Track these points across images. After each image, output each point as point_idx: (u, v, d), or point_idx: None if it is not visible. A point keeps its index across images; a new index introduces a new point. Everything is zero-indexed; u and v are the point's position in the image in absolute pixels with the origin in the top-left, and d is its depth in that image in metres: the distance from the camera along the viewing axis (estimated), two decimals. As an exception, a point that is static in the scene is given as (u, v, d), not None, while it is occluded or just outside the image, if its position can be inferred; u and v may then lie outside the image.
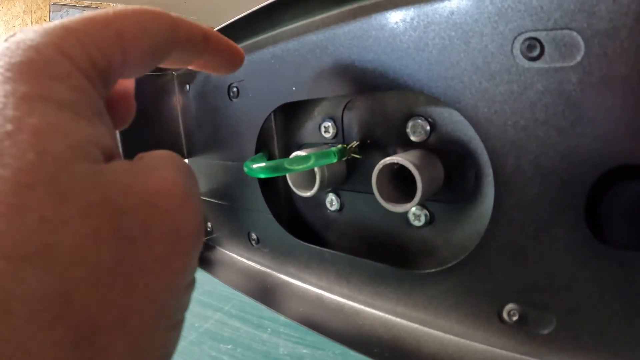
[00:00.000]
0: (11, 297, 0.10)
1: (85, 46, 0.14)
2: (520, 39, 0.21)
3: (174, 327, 0.15)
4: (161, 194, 0.14)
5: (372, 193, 0.28)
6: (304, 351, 0.28)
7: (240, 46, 0.35)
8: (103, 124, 0.14)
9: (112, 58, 0.15)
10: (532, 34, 0.21)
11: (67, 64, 0.14)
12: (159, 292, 0.14)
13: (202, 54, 0.20)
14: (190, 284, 0.16)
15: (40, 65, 0.13)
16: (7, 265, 0.10)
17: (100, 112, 0.15)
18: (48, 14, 3.47)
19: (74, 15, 0.15)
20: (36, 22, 3.41)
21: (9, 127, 0.12)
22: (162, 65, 0.19)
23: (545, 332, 0.23)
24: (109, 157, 0.14)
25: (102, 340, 0.12)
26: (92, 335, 0.11)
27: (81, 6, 3.67)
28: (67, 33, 0.14)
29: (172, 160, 0.16)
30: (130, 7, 0.16)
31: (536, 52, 0.21)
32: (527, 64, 0.21)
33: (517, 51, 0.21)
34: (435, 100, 0.28)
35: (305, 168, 0.28)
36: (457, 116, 0.27)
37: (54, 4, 3.52)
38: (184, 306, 0.16)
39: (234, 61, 0.23)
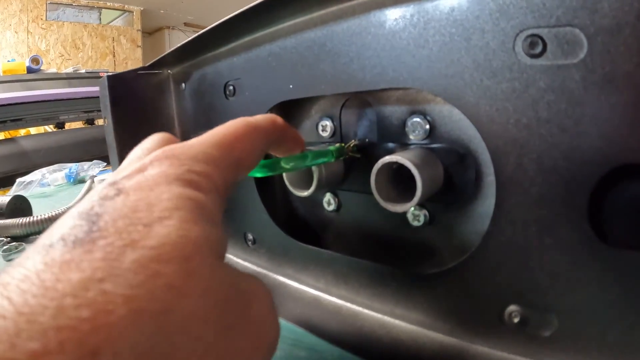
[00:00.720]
0: (123, 341, 0.11)
1: (220, 170, 0.18)
2: (522, 35, 0.21)
3: None
4: (257, 296, 0.17)
5: (371, 193, 0.27)
6: (302, 354, 0.28)
7: (237, 44, 0.35)
8: (223, 231, 0.17)
9: (234, 176, 0.20)
10: (534, 31, 0.21)
11: (209, 183, 0.17)
12: None
13: (281, 146, 0.26)
14: None
15: (193, 180, 0.17)
16: (131, 315, 0.12)
17: (221, 221, 0.18)
18: (44, 12, 3.46)
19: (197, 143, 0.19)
20: (32, 21, 3.40)
21: (163, 214, 0.15)
22: None
23: (547, 334, 0.23)
24: (222, 258, 0.17)
25: None
26: None
27: (78, 5, 3.66)
28: (209, 160, 0.18)
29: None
30: (240, 126, 0.21)
31: (538, 50, 0.21)
32: (529, 61, 0.21)
33: (519, 48, 0.21)
34: (434, 99, 0.28)
35: (303, 167, 0.28)
36: (457, 115, 0.27)
37: (50, 3, 3.50)
38: None
39: (300, 148, 0.27)
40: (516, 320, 0.24)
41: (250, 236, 0.41)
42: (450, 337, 0.27)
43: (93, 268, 0.12)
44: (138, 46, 3.97)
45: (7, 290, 0.12)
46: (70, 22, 3.62)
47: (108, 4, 3.76)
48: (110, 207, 0.15)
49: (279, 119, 0.24)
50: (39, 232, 0.61)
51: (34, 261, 0.13)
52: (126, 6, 3.85)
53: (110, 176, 0.18)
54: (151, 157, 0.18)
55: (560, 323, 0.22)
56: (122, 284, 0.12)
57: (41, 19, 3.48)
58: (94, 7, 3.71)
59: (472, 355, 0.25)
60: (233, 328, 0.15)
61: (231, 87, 0.37)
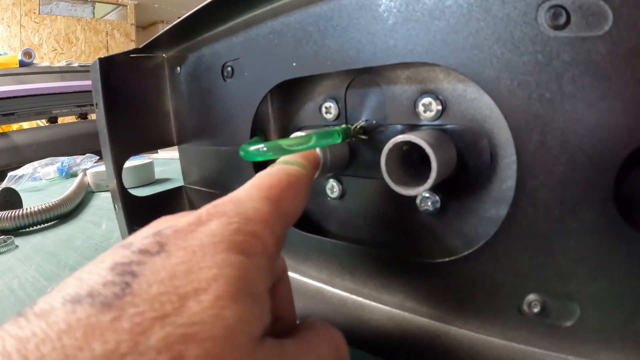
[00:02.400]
0: None
1: (271, 228, 0.17)
2: (545, 6, 0.20)
3: None
4: None
5: (377, 178, 0.26)
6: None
7: (236, 22, 0.34)
8: (269, 301, 0.16)
9: (283, 231, 0.18)
10: (557, 2, 0.19)
11: (259, 245, 0.16)
12: None
13: None
14: None
15: (241, 242, 0.16)
16: None
17: (268, 288, 0.16)
18: (37, 6, 3.42)
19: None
20: (25, 15, 3.36)
21: (201, 285, 0.14)
22: None
23: (569, 323, 0.22)
24: (263, 335, 0.15)
25: None
26: None
27: (70, -1, 3.61)
28: (260, 217, 0.17)
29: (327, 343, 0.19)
30: (284, 177, 0.20)
31: (562, 21, 0.19)
32: (552, 33, 0.20)
33: (541, 19, 0.20)
34: (447, 77, 0.26)
35: (306, 149, 0.26)
36: (470, 94, 0.25)
37: (43, -4, 3.46)
38: None
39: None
40: (536, 310, 0.22)
41: (248, 226, 0.39)
42: (465, 329, 0.25)
43: (118, 341, 0.12)
44: (132, 40, 3.94)
45: (27, 349, 0.11)
46: (64, 16, 3.58)
47: (102, -4, 3.73)
48: (148, 267, 0.14)
49: (315, 159, 0.24)
50: (29, 226, 0.59)
51: (57, 318, 0.12)
52: (120, 0, 3.82)
53: (153, 225, 0.17)
54: (204, 210, 0.17)
55: (582, 312, 0.21)
56: None
57: (34, 12, 3.44)
58: (87, 0, 3.67)
59: (488, 348, 0.24)
60: None
61: (229, 68, 0.35)
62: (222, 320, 0.13)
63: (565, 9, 0.19)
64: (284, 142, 0.26)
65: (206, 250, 0.15)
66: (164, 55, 0.44)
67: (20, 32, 3.37)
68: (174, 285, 0.13)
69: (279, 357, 0.15)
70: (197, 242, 0.15)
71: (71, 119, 2.27)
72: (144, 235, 0.16)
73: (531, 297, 0.23)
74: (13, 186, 0.91)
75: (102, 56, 0.40)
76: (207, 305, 0.13)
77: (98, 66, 0.39)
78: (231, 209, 0.17)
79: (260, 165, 0.36)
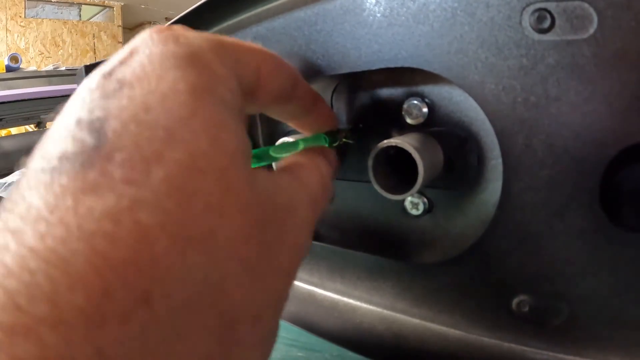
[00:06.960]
0: (171, 278, 0.10)
1: (237, 61, 0.15)
2: (529, 10, 0.20)
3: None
4: (292, 209, 0.15)
5: (365, 181, 0.26)
6: (299, 354, 0.26)
7: (221, 27, 0.34)
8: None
9: (251, 82, 0.16)
10: (542, 5, 0.19)
11: (225, 69, 0.14)
12: (282, 291, 0.14)
13: (309, 116, 0.23)
14: None
15: (205, 62, 0.13)
16: (173, 246, 0.10)
17: (244, 121, 0.15)
18: (23, 10, 3.39)
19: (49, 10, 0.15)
20: (11, 19, 3.33)
21: (183, 112, 0.12)
22: (274, 116, 0.22)
23: (557, 322, 0.22)
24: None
25: (240, 332, 0.12)
26: (233, 325, 0.12)
27: (57, 1, 3.59)
28: (221, 44, 0.15)
29: (311, 171, 0.19)
30: (265, 49, 0.18)
31: (546, 24, 0.20)
32: (537, 36, 0.20)
33: (526, 23, 0.20)
34: (433, 80, 0.26)
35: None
36: (456, 97, 0.25)
37: (29, 0, 3.42)
38: None
39: (331, 127, 0.25)
40: (525, 309, 0.23)
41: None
42: (456, 330, 0.26)
43: (116, 195, 0.10)
44: (119, 42, 3.92)
45: (23, 238, 0.10)
46: (50, 19, 3.55)
47: (88, -1, 3.70)
48: (114, 107, 0.11)
49: (318, 96, 0.23)
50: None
51: (39, 193, 0.10)
52: (106, 2, 3.79)
53: (98, 68, 0.13)
54: (142, 35, 0.14)
55: (571, 311, 0.22)
56: (155, 210, 0.10)
57: (20, 16, 3.41)
58: (73, 3, 3.64)
59: (479, 347, 0.24)
60: (272, 246, 0.14)
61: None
62: (222, 147, 0.12)
63: (549, 12, 0.19)
64: (271, 149, 0.26)
65: (172, 72, 0.12)
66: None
67: (7, 36, 3.34)
68: (154, 119, 0.11)
69: (273, 190, 0.15)
70: (158, 64, 0.13)
71: (59, 123, 2.26)
72: (90, 83, 0.13)
73: (520, 297, 0.23)
74: (2, 194, 0.90)
75: (88, 63, 0.40)
76: (202, 134, 0.12)
77: (84, 74, 0.39)
78: (181, 30, 0.15)
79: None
